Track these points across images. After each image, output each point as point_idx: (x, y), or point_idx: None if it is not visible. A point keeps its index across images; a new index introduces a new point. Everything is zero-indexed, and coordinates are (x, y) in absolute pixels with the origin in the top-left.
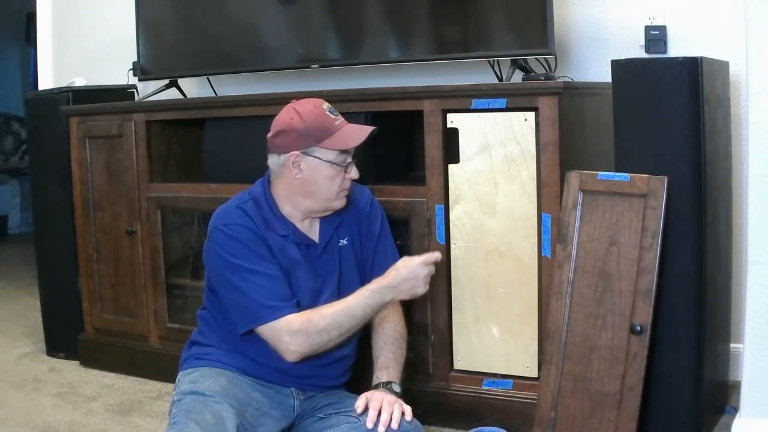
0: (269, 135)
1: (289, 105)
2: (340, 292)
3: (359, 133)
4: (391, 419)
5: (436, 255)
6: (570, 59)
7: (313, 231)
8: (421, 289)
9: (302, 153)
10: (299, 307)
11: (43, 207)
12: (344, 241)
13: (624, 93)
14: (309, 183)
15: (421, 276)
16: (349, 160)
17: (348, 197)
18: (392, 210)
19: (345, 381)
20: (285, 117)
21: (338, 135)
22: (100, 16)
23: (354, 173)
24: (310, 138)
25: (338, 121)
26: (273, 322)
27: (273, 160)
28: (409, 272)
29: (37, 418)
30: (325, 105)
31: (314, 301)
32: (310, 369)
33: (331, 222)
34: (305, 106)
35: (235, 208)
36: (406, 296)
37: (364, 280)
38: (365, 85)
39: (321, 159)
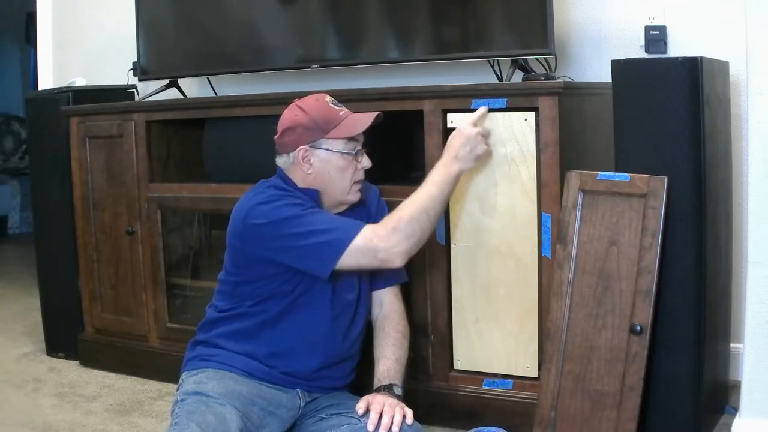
0: (276, 136)
1: (291, 104)
2: (360, 292)
3: (364, 119)
4: (392, 423)
5: (481, 111)
6: (570, 59)
7: None
8: (480, 147)
9: (311, 147)
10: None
11: (43, 207)
12: None
13: (624, 93)
14: (321, 176)
15: (473, 135)
16: (359, 148)
17: (361, 191)
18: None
19: (350, 382)
20: (289, 115)
21: (344, 124)
22: (100, 16)
23: (366, 162)
24: (317, 130)
25: (342, 111)
26: (357, 237)
27: (282, 161)
28: (462, 138)
29: (37, 418)
30: (328, 98)
31: (337, 302)
32: (316, 370)
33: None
34: (307, 101)
35: (265, 188)
36: (471, 162)
37: (370, 277)
38: (365, 85)
39: (330, 150)
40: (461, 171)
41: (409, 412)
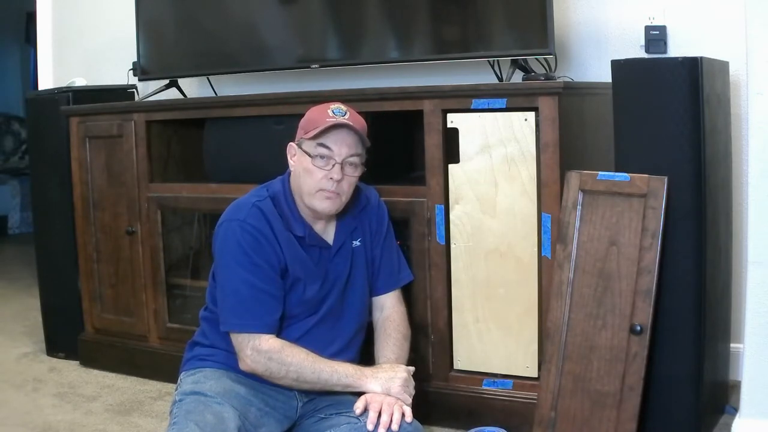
0: None
1: None
2: (344, 298)
3: (331, 126)
4: (391, 421)
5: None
6: (570, 59)
7: (327, 233)
8: (398, 389)
9: (296, 144)
10: (290, 319)
11: (43, 207)
12: (357, 242)
13: (624, 93)
14: (295, 174)
15: (407, 380)
16: (335, 159)
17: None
18: (392, 210)
19: None
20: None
21: (320, 127)
22: (100, 16)
23: (335, 173)
24: (302, 130)
25: (331, 118)
26: (246, 334)
27: None
28: (396, 373)
29: (37, 418)
30: (335, 105)
31: (316, 310)
32: None
33: (347, 225)
34: (320, 105)
35: (251, 206)
36: (383, 389)
37: (370, 282)
38: (365, 85)
39: (303, 149)
40: (367, 389)
41: (408, 410)
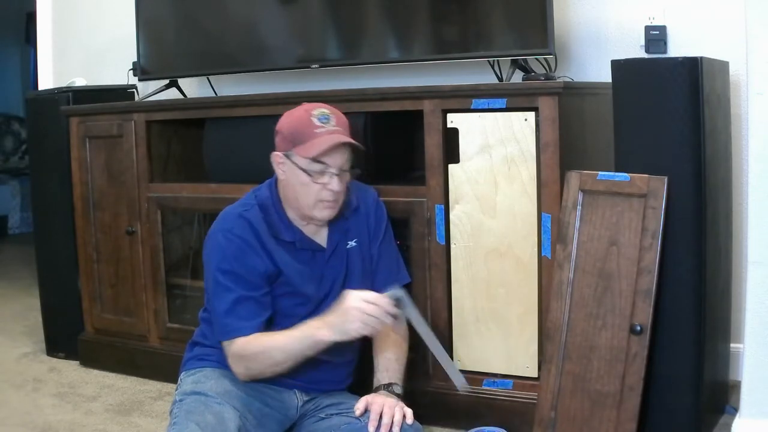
0: None
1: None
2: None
3: (333, 146)
4: (392, 423)
5: (384, 301)
6: (570, 59)
7: (320, 235)
8: (355, 326)
9: (284, 155)
10: (291, 318)
11: (43, 207)
12: (353, 243)
13: (624, 93)
14: (288, 186)
15: (352, 309)
16: (332, 171)
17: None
18: (392, 210)
19: (348, 385)
20: (281, 118)
21: (310, 143)
22: (100, 16)
23: (335, 185)
24: (290, 142)
25: (320, 129)
26: (227, 342)
27: None
28: (340, 307)
29: (37, 418)
30: (318, 111)
31: (315, 310)
32: (312, 374)
33: (340, 226)
34: (297, 110)
35: (237, 217)
36: (340, 335)
37: (370, 282)
38: (365, 85)
39: (295, 164)
40: (328, 340)
41: (409, 412)
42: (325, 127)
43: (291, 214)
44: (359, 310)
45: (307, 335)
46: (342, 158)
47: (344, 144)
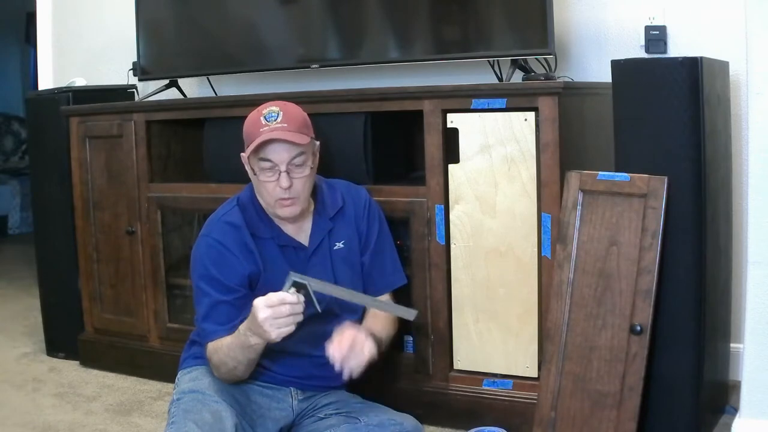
0: None
1: None
2: (336, 299)
3: (266, 142)
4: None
5: (289, 298)
6: (570, 59)
7: (302, 234)
8: (273, 334)
9: (246, 155)
10: None
11: (43, 207)
12: (340, 245)
13: (624, 93)
14: (254, 186)
15: (266, 323)
16: (279, 168)
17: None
18: (392, 210)
19: (344, 382)
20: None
21: (255, 141)
22: (100, 16)
23: (283, 182)
24: (246, 143)
25: (264, 127)
26: (207, 345)
27: None
28: (256, 322)
29: (37, 418)
30: (267, 109)
31: (304, 312)
32: (306, 369)
33: (322, 225)
34: (255, 110)
35: (216, 222)
36: (260, 338)
37: (362, 284)
38: (365, 85)
39: (248, 163)
40: (262, 342)
41: (369, 346)
42: (269, 125)
43: (270, 212)
44: (268, 318)
45: (243, 342)
46: (287, 153)
47: (285, 141)
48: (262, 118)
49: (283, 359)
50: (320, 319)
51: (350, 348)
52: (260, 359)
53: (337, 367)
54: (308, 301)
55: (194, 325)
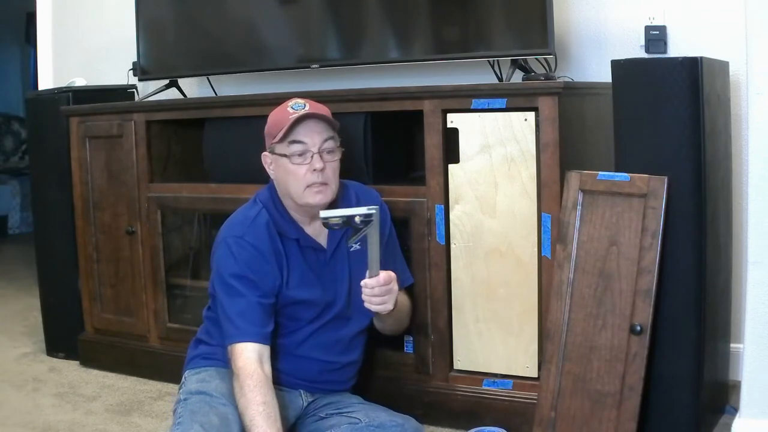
0: None
1: None
2: (351, 303)
3: (299, 119)
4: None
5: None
6: (570, 59)
7: (321, 235)
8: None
9: (269, 152)
10: (296, 322)
11: (43, 207)
12: (357, 246)
13: (624, 93)
14: (280, 181)
15: None
16: (312, 150)
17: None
18: (392, 210)
19: (352, 385)
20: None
21: (285, 126)
22: (100, 16)
23: (317, 163)
24: (270, 136)
25: (293, 114)
26: (236, 344)
27: None
28: None
29: (37, 418)
30: (293, 101)
31: (321, 314)
32: (318, 374)
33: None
34: (280, 105)
35: (249, 224)
36: None
37: None
38: (365, 85)
39: (277, 154)
40: None
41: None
42: (297, 112)
43: (293, 213)
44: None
45: None
46: (319, 136)
47: (320, 123)
48: (289, 108)
49: (296, 363)
50: (332, 325)
51: (386, 281)
52: (274, 362)
53: (376, 291)
54: (355, 230)
55: (197, 322)
